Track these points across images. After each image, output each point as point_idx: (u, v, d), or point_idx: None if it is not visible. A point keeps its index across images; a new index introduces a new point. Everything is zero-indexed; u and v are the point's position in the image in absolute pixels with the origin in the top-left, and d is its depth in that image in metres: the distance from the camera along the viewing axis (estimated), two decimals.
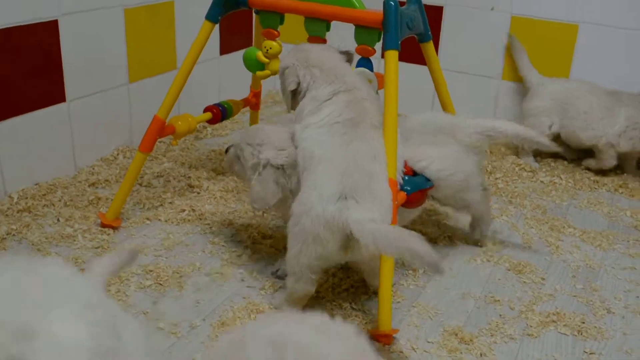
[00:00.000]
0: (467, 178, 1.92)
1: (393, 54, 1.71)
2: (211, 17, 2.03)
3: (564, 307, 1.78)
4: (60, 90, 2.27)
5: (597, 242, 2.13)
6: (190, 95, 2.72)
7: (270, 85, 3.43)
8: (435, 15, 2.97)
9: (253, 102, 2.47)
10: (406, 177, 1.76)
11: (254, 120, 2.53)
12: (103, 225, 2.03)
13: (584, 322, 1.71)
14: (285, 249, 1.65)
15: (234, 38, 3.03)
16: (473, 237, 2.08)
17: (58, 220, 2.06)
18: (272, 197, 1.73)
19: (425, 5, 1.99)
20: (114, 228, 2.03)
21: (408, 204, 1.76)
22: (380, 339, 1.58)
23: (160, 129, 2.03)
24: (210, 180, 2.40)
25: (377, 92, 1.84)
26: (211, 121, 2.29)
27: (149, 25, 2.58)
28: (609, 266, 2.00)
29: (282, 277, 1.81)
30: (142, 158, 2.04)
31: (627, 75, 2.71)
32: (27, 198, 2.15)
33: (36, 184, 2.25)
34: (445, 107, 2.12)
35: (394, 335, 1.60)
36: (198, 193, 2.30)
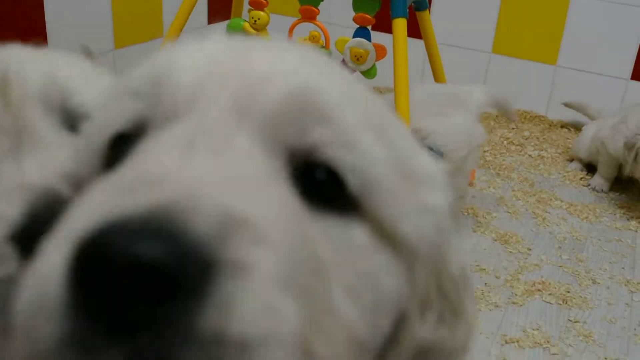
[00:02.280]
0: (468, 155, 1.84)
1: (401, 22, 1.66)
2: None
3: (550, 276, 1.78)
4: None
5: (583, 215, 2.13)
6: None
7: None
8: None
9: None
10: None
11: None
12: None
13: (569, 292, 1.72)
14: None
15: (223, 6, 2.99)
16: None
17: None
18: None
19: None
20: None
21: None
22: None
23: None
24: None
25: (375, 64, 1.78)
26: None
27: None
28: (595, 238, 2.00)
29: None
30: None
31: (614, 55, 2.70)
32: None
33: None
34: (437, 79, 2.10)
35: None
36: None
